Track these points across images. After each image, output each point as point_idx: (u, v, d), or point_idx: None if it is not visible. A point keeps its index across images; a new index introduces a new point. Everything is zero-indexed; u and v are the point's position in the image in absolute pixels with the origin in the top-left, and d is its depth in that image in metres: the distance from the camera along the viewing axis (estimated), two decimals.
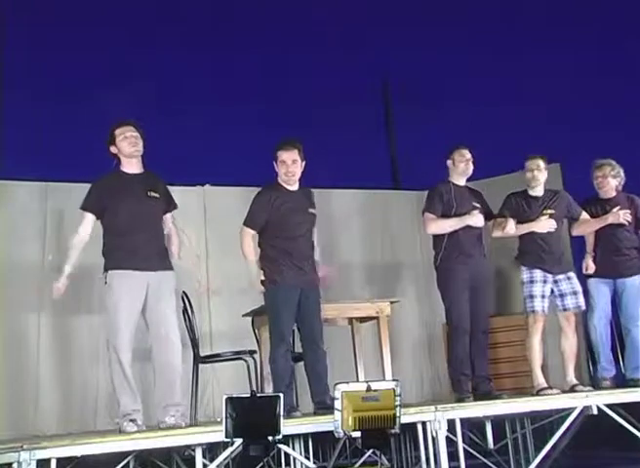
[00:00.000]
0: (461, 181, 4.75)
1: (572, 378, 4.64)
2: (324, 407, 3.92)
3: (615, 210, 4.87)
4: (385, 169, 8.83)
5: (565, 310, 4.66)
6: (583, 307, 4.71)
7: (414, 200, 6.54)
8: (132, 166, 4.01)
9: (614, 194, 5.05)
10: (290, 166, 4.22)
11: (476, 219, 4.57)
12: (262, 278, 4.15)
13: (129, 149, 3.97)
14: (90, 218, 3.94)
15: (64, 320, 5.49)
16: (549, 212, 4.72)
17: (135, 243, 3.86)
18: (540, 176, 4.74)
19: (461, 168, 4.70)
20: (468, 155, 4.72)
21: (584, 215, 4.89)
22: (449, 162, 4.75)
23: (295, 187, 4.32)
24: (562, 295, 4.65)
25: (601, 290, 4.92)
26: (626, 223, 4.89)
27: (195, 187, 6.27)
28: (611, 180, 5.02)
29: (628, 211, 4.88)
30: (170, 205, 4.16)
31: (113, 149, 4.00)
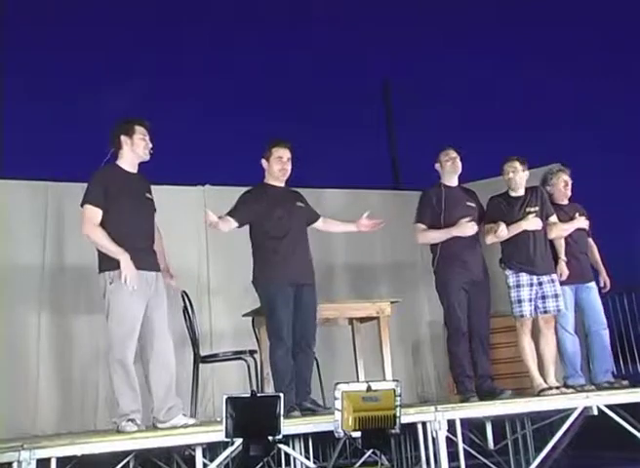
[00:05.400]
0: (453, 182, 4.76)
1: (552, 381, 4.63)
2: (306, 409, 4.01)
3: (577, 215, 4.97)
4: (386, 169, 8.82)
5: (545, 312, 4.66)
6: (564, 311, 4.73)
7: (414, 200, 6.51)
8: (133, 166, 4.00)
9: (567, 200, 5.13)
10: (285, 163, 4.35)
11: (464, 229, 4.56)
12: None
13: (144, 152, 3.97)
14: (98, 213, 3.79)
15: (64, 319, 5.49)
16: (533, 210, 4.73)
17: (138, 242, 3.86)
18: (517, 178, 4.75)
19: (448, 167, 4.73)
20: (454, 154, 4.74)
21: (554, 218, 4.88)
22: (437, 165, 4.79)
23: (281, 184, 4.40)
24: (544, 297, 4.65)
25: (571, 297, 4.91)
26: (587, 228, 5.04)
27: (195, 187, 6.27)
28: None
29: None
30: (154, 208, 4.16)
31: (124, 139, 3.93)
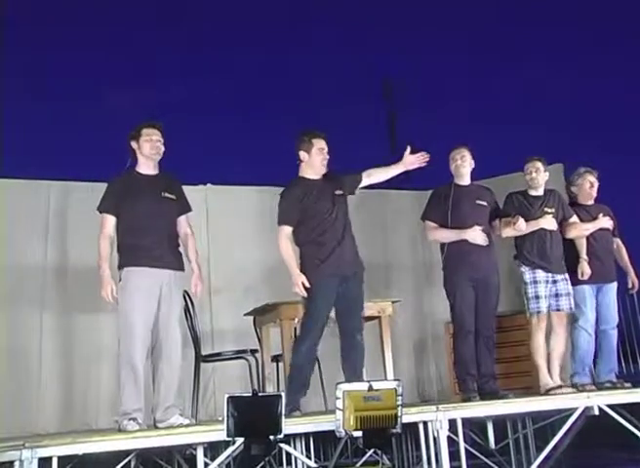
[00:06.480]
0: (464, 181, 4.73)
1: (557, 379, 4.66)
2: None
3: (600, 215, 4.98)
4: None
5: (558, 310, 4.69)
6: (574, 310, 4.75)
7: (414, 199, 6.53)
8: (148, 167, 4.07)
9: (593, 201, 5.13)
10: (326, 154, 4.27)
11: (474, 236, 4.55)
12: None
13: (150, 152, 4.03)
14: (110, 220, 3.96)
15: (67, 319, 5.50)
16: (550, 211, 4.76)
17: (151, 241, 3.91)
18: (539, 178, 4.79)
19: (452, 169, 4.72)
20: (458, 156, 4.71)
21: (575, 218, 4.91)
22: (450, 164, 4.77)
23: (319, 177, 4.30)
24: (557, 295, 4.68)
25: (592, 296, 4.92)
26: (610, 228, 5.03)
27: (197, 186, 6.27)
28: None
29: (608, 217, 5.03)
30: (184, 207, 4.19)
31: (134, 145, 4.06)
